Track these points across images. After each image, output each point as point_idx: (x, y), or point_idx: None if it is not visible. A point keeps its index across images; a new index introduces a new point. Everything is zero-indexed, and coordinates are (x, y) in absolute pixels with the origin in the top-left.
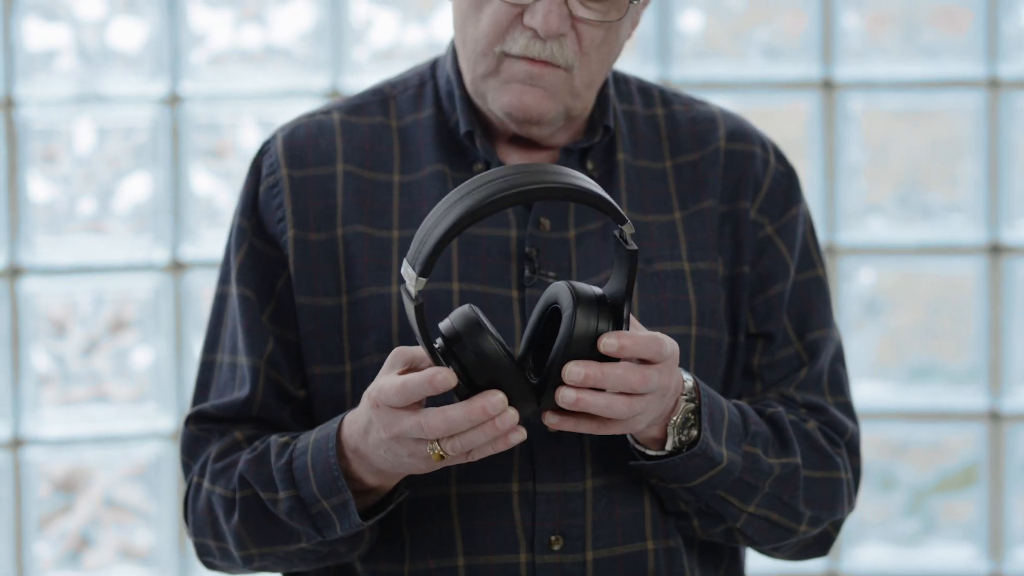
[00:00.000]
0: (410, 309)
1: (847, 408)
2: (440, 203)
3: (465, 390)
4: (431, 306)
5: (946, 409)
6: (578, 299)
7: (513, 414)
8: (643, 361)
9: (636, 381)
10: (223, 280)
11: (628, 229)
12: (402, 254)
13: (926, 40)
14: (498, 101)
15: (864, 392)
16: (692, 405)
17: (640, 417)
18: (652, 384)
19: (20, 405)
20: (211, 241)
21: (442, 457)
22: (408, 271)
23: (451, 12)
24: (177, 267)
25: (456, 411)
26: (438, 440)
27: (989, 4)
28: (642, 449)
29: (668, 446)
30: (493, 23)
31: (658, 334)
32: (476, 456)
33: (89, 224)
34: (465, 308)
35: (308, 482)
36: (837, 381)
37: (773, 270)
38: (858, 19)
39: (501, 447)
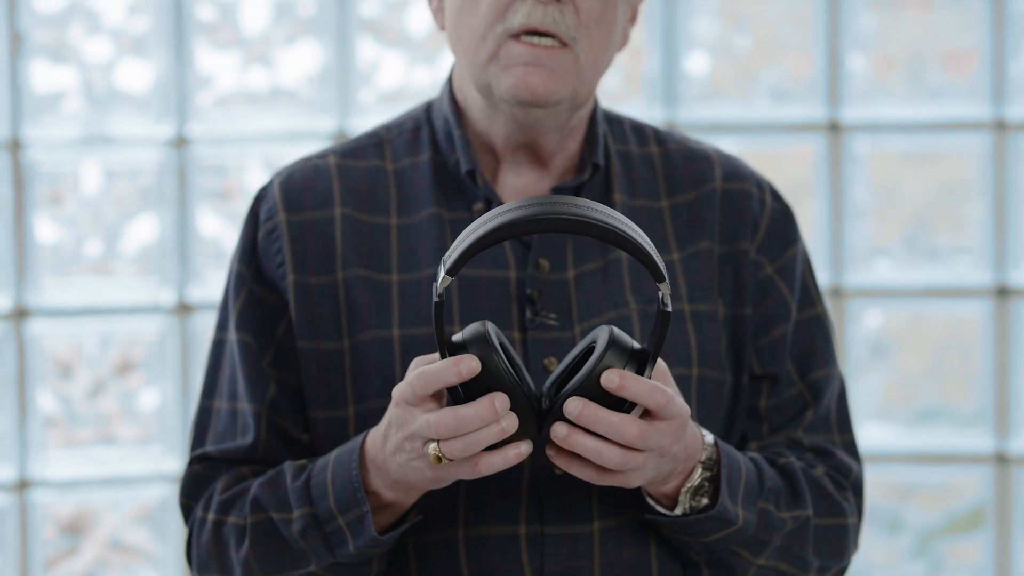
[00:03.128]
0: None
1: (852, 447)
2: (486, 214)
3: (466, 401)
4: (436, 349)
5: (953, 451)
6: (612, 342)
7: (515, 418)
8: (649, 418)
9: (632, 434)
10: (221, 326)
11: (665, 289)
12: (402, 297)
13: (933, 82)
14: (503, 85)
15: (871, 434)
16: (709, 473)
17: (635, 473)
18: (650, 441)
19: (26, 447)
20: (218, 283)
21: (439, 459)
22: (440, 269)
23: (446, 18)
24: (184, 309)
25: (466, 408)
26: (439, 442)
27: (995, 46)
28: (652, 504)
29: (678, 510)
30: (492, 2)
31: (668, 390)
32: (483, 468)
33: (96, 266)
34: (479, 323)
35: (326, 498)
36: (843, 420)
37: (775, 311)
38: (865, 61)
39: (512, 459)
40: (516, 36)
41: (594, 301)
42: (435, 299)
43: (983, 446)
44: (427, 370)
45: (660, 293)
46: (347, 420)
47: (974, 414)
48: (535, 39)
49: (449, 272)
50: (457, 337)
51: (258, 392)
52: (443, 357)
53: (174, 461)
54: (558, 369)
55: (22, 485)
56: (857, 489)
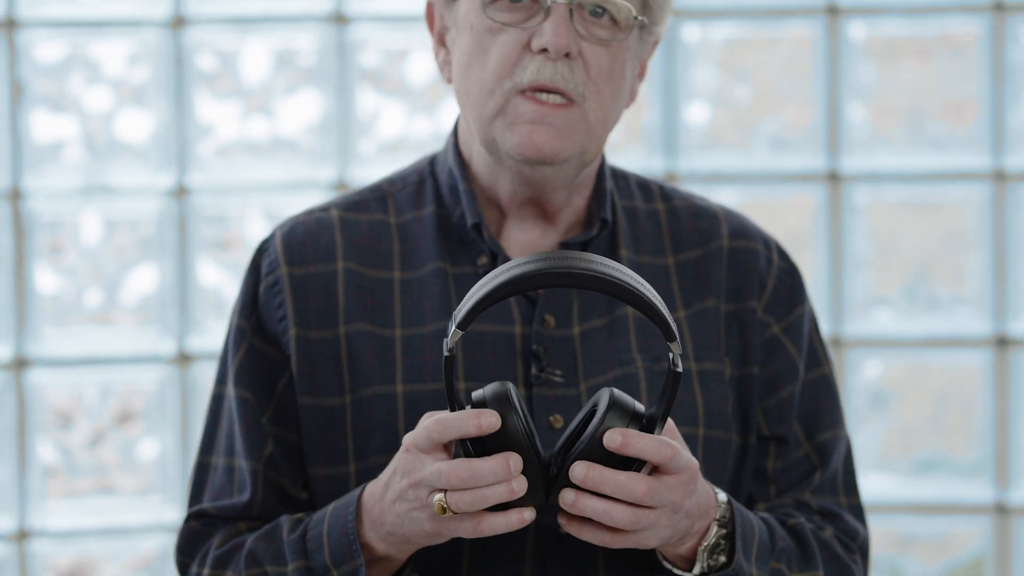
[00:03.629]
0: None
1: (858, 511)
2: (496, 269)
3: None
4: (440, 406)
5: (953, 502)
6: (613, 404)
7: (525, 481)
8: (658, 474)
9: (640, 491)
10: (220, 381)
11: (676, 348)
12: (405, 353)
13: (932, 132)
14: (509, 142)
15: (871, 484)
16: (724, 530)
17: (649, 532)
18: (659, 497)
19: (26, 497)
20: (218, 333)
21: (443, 510)
22: (451, 324)
23: (453, 71)
24: (183, 359)
25: (482, 462)
26: (445, 492)
27: (995, 97)
28: (668, 566)
29: (696, 570)
30: (502, 57)
31: (674, 443)
32: (485, 528)
33: (96, 316)
34: (499, 383)
35: (321, 551)
36: (849, 482)
37: (783, 372)
38: (864, 111)
39: (515, 524)
40: (524, 92)
41: (600, 358)
42: (446, 353)
43: (983, 496)
44: (446, 417)
45: (671, 354)
46: (348, 477)
47: (974, 464)
48: (543, 96)
49: (460, 326)
50: (478, 394)
51: (256, 449)
52: (453, 409)
53: (173, 511)
54: (563, 436)
55: (21, 535)
56: (864, 552)
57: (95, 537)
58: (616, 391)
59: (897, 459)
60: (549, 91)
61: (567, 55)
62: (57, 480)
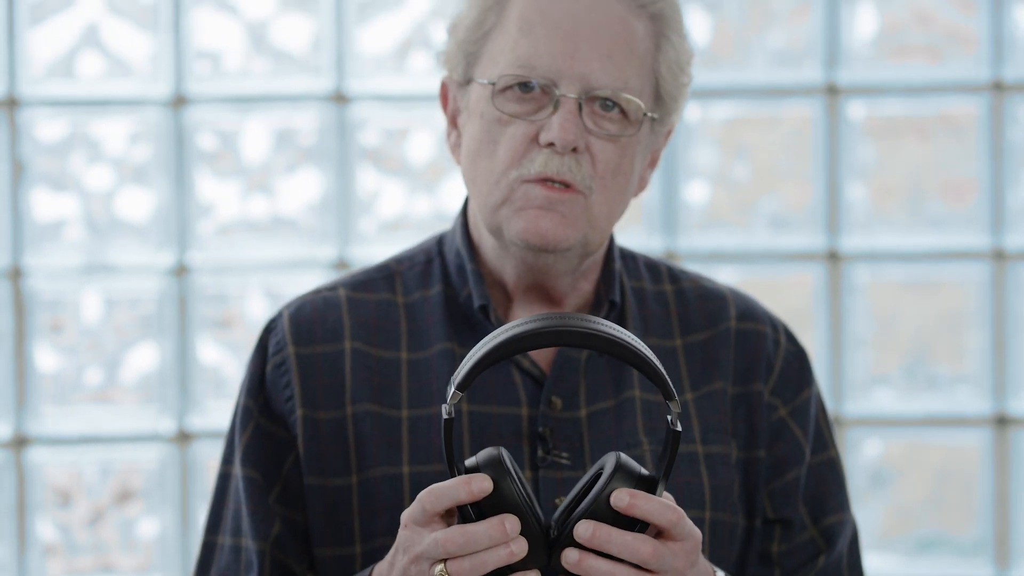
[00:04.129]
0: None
1: None
2: (495, 331)
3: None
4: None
5: None
6: (618, 467)
7: (524, 542)
8: (662, 539)
9: (646, 552)
10: (226, 460)
11: (675, 408)
12: (412, 433)
13: (932, 211)
14: (514, 228)
15: (872, 563)
16: None
17: None
18: (664, 561)
19: (26, 575)
20: (218, 412)
21: None
22: (450, 386)
23: (462, 155)
24: (183, 438)
25: (477, 526)
26: (446, 562)
27: (994, 176)
28: None
29: None
30: (510, 149)
31: (676, 506)
32: None
33: (96, 394)
34: (493, 448)
35: None
36: (854, 566)
37: (789, 455)
38: (864, 190)
39: None
40: (531, 183)
41: (606, 440)
42: (444, 416)
43: (983, 575)
44: (437, 487)
45: (669, 414)
46: (354, 558)
47: (974, 543)
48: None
49: (460, 387)
50: (470, 461)
51: (263, 529)
52: (453, 473)
53: None
54: (567, 500)
55: None
56: None
57: None
58: (623, 455)
59: (897, 538)
60: (555, 183)
61: (574, 149)
62: (57, 559)
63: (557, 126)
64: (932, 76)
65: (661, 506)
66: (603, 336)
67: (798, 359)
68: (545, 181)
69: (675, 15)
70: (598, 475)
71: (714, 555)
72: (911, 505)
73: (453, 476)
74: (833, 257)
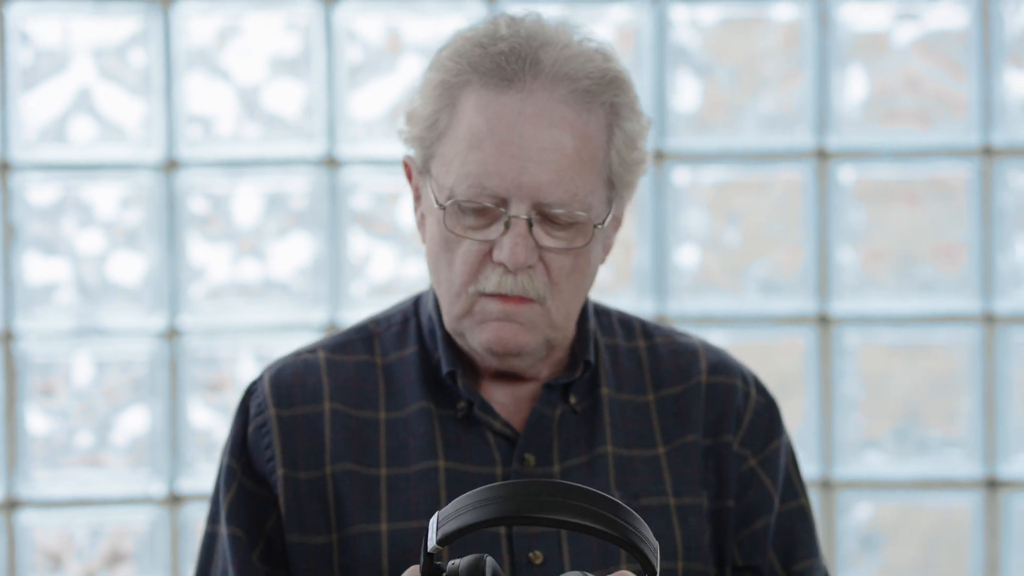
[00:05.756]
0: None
1: None
2: (495, 485)
3: None
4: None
5: None
6: None
7: None
8: None
9: None
10: (212, 520)
11: None
12: (390, 491)
13: (922, 275)
14: (477, 339)
15: None
16: None
17: None
18: None
19: None
20: (208, 475)
21: None
22: (433, 528)
23: (425, 245)
24: (174, 500)
25: None
26: None
27: (984, 240)
28: None
29: None
30: (465, 263)
31: None
32: None
33: (87, 457)
34: (476, 556)
35: None
36: None
37: (758, 503)
38: (854, 254)
39: None
40: (489, 296)
41: None
42: (423, 557)
43: None
44: None
45: None
46: None
47: None
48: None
49: (440, 543)
50: (452, 567)
51: None
52: None
53: None
54: None
55: None
56: None
57: None
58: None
59: None
60: (510, 300)
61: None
62: None
63: (508, 249)
64: (922, 141)
65: None
66: (592, 527)
67: (768, 410)
68: (501, 297)
69: (627, 98)
70: None
71: None
72: (902, 568)
73: None
74: (824, 321)
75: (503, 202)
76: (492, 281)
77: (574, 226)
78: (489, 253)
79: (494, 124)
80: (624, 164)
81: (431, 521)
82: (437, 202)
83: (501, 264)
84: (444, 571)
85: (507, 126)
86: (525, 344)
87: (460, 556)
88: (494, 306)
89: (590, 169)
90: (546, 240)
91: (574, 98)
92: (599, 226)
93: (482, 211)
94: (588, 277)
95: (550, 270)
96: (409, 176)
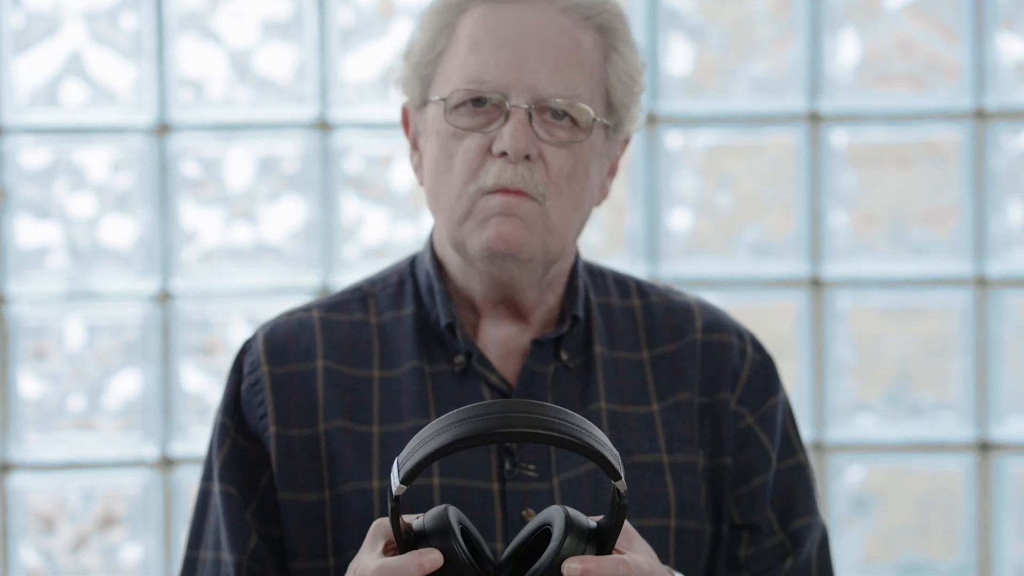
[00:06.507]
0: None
1: None
2: (442, 417)
3: None
4: (412, 501)
5: None
6: (569, 527)
7: None
8: None
9: None
10: (206, 477)
11: (621, 487)
12: (383, 449)
13: (914, 239)
14: (477, 241)
15: None
16: None
17: None
18: None
19: None
20: (201, 438)
21: None
22: (395, 473)
23: (424, 176)
24: (167, 463)
25: None
26: None
27: (976, 203)
28: None
29: None
30: (466, 162)
31: (624, 558)
32: None
33: (79, 421)
34: (440, 508)
35: None
36: (824, 568)
37: (755, 461)
38: (846, 218)
39: None
40: (490, 194)
41: (572, 453)
42: (391, 503)
43: None
44: (391, 566)
45: (615, 488)
46: (327, 571)
47: (957, 569)
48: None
49: (403, 482)
50: (418, 523)
51: (240, 543)
52: (402, 550)
53: None
54: (513, 544)
55: None
56: None
57: None
58: (570, 511)
59: (880, 564)
60: (510, 193)
61: (527, 157)
62: None
63: (508, 135)
64: (915, 104)
65: (611, 564)
66: (547, 435)
67: (765, 367)
68: (501, 192)
69: (622, 27)
70: (545, 528)
71: (681, 562)
72: (893, 531)
73: (402, 549)
74: (816, 284)
75: (503, 97)
76: (492, 174)
77: (574, 124)
78: (489, 149)
79: (494, 28)
80: (624, 89)
81: (392, 468)
82: (440, 99)
83: (501, 155)
84: (411, 528)
85: (507, 28)
86: (524, 242)
87: (460, 525)
88: (494, 201)
89: (589, 75)
90: (544, 132)
91: (572, 12)
92: (598, 120)
93: (483, 111)
94: (587, 190)
95: (549, 168)
96: (406, 126)
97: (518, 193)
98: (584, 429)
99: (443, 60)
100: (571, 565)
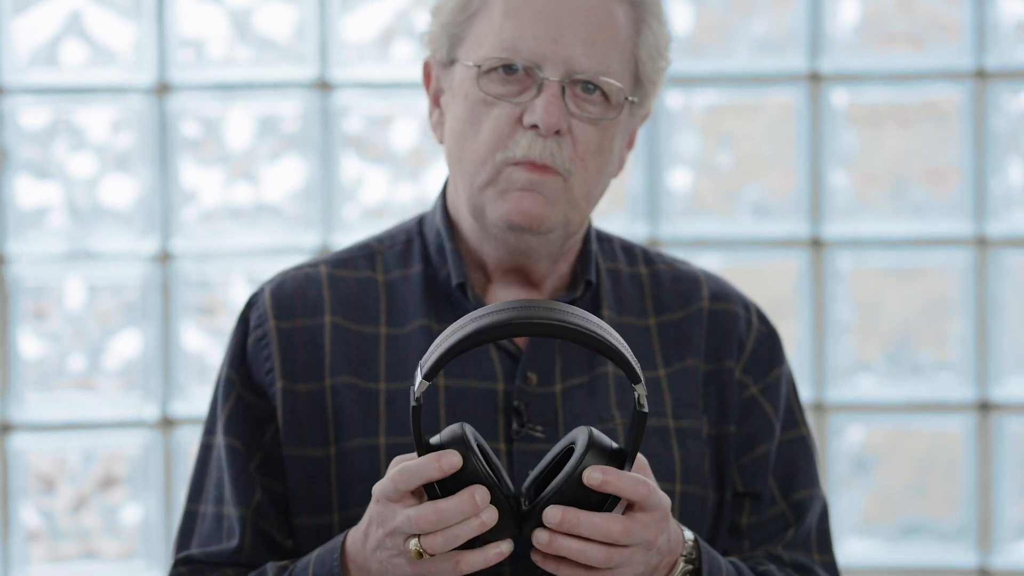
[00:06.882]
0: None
1: (832, 568)
2: (462, 318)
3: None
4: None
5: (936, 566)
6: (591, 443)
7: (495, 511)
8: (631, 512)
9: (616, 531)
10: (208, 431)
11: (641, 390)
12: (389, 406)
13: (914, 199)
14: (498, 211)
15: (854, 549)
16: (691, 567)
17: (623, 570)
18: (635, 536)
19: (9, 561)
20: (201, 398)
21: (420, 555)
22: (418, 374)
23: (445, 134)
24: (167, 424)
25: (448, 502)
26: (419, 537)
27: (976, 163)
28: None
29: None
30: (494, 130)
31: (650, 481)
32: (464, 566)
33: (79, 381)
34: (456, 426)
35: None
36: (823, 540)
37: (759, 430)
38: (847, 178)
39: (493, 558)
40: (516, 165)
41: (580, 414)
42: (412, 403)
43: (966, 561)
44: (408, 466)
45: (636, 394)
46: (332, 527)
47: (957, 529)
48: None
49: (426, 377)
50: (435, 439)
51: (244, 497)
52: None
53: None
54: (537, 469)
55: None
56: None
57: None
58: (594, 430)
59: (880, 524)
60: (538, 166)
61: (557, 132)
62: (40, 545)
63: (541, 109)
64: (915, 64)
65: (632, 481)
66: (569, 326)
67: (769, 339)
68: (528, 165)
69: (654, 1)
70: (569, 448)
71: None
72: (894, 491)
73: (421, 455)
74: (816, 244)
75: (537, 68)
76: (521, 145)
77: (605, 100)
78: (519, 119)
79: None
80: (652, 64)
81: (415, 376)
82: (473, 65)
83: (532, 128)
84: (429, 443)
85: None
86: (546, 217)
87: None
88: (519, 174)
89: (622, 50)
90: (576, 110)
91: None
92: (630, 100)
93: (515, 79)
94: (610, 164)
95: (577, 143)
96: (427, 81)
97: (544, 168)
98: (607, 330)
99: (476, 22)
100: (592, 474)
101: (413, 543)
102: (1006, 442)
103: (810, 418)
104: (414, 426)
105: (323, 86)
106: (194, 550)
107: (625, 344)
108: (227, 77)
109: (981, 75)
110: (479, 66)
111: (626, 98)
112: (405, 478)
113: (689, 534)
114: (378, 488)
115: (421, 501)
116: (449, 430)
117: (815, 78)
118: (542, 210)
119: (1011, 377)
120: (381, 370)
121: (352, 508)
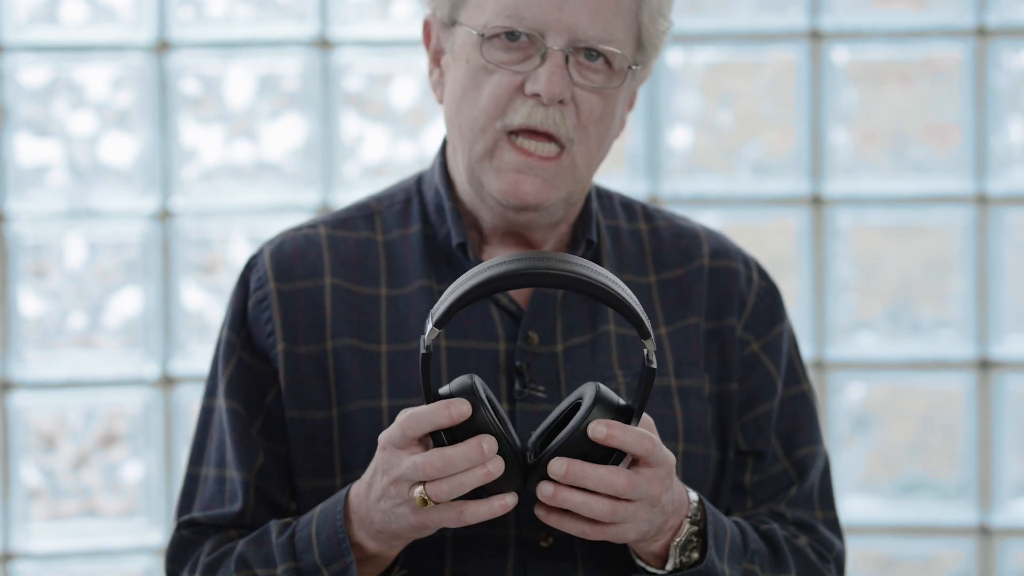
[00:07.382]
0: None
1: (835, 524)
2: (473, 268)
3: None
4: None
5: (936, 524)
6: (598, 398)
7: (501, 461)
8: (636, 467)
9: (620, 484)
10: (209, 393)
11: (650, 345)
12: (391, 368)
13: (915, 156)
14: (494, 186)
15: (854, 507)
16: (696, 528)
17: (628, 525)
18: (639, 490)
19: (9, 519)
20: (201, 356)
21: (424, 502)
22: (428, 322)
23: (444, 96)
24: (167, 382)
25: (455, 449)
26: (425, 484)
27: (977, 121)
28: (643, 565)
29: (669, 566)
30: (494, 97)
31: (651, 435)
32: (468, 516)
33: (79, 339)
34: (465, 376)
35: (310, 551)
36: (826, 497)
37: (761, 388)
38: (847, 135)
39: (497, 510)
40: (515, 133)
41: (582, 374)
42: (423, 351)
43: (966, 519)
44: (417, 412)
45: (645, 350)
46: (334, 490)
47: (957, 487)
48: (529, 145)
49: (437, 324)
50: (444, 389)
51: (247, 460)
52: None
53: (158, 534)
54: (544, 424)
55: (5, 557)
56: (839, 565)
57: (79, 560)
58: (602, 386)
59: (880, 481)
60: (539, 134)
61: (560, 101)
62: (41, 503)
63: (544, 78)
64: (916, 21)
65: (637, 435)
66: (580, 278)
67: (770, 295)
68: (528, 133)
69: None
70: (577, 404)
71: (687, 485)
72: (894, 449)
73: (428, 401)
74: (816, 202)
75: (540, 36)
76: (521, 113)
77: (608, 68)
78: (520, 87)
79: None
80: (654, 27)
81: (424, 325)
82: (475, 32)
83: (534, 96)
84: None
85: None
86: (545, 198)
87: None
88: (514, 157)
89: (625, 17)
90: (579, 78)
91: None
92: (633, 68)
93: (517, 46)
94: (612, 129)
95: (580, 111)
96: (427, 39)
97: (542, 146)
98: (620, 285)
99: None
100: (597, 428)
101: (418, 491)
102: (1006, 400)
103: (811, 376)
104: (423, 375)
105: (323, 44)
106: (197, 513)
107: (636, 299)
108: (227, 35)
109: (982, 32)
110: (482, 34)
111: (630, 67)
112: (414, 424)
113: (694, 495)
114: (385, 435)
115: (426, 450)
116: (459, 380)
117: (816, 35)
118: (541, 193)
119: (1011, 335)
120: (382, 332)
121: (354, 471)
